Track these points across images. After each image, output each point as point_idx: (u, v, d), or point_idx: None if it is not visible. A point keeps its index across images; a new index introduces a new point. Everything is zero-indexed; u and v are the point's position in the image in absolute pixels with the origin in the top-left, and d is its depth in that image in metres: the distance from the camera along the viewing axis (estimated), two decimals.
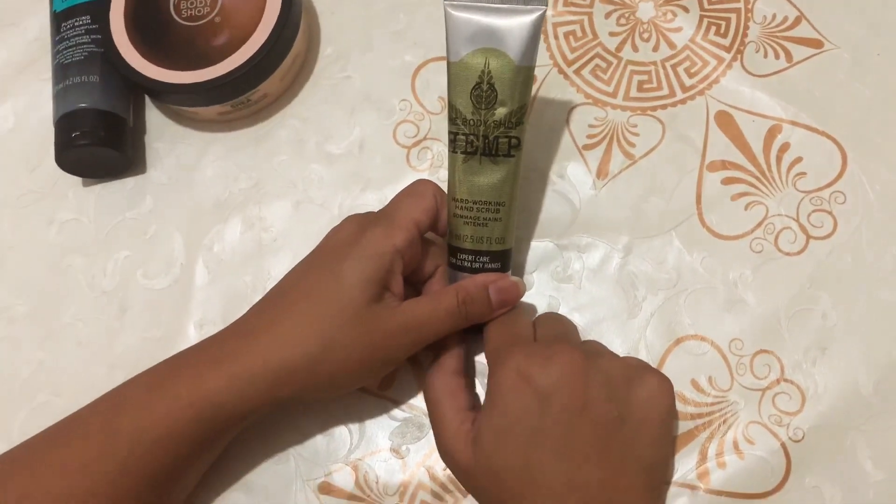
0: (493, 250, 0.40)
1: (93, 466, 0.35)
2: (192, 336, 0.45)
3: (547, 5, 0.37)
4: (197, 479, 0.39)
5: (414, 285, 0.41)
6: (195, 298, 0.46)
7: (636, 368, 0.37)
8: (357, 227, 0.38)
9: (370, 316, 0.36)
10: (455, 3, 0.37)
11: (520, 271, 0.44)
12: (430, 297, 0.38)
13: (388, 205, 0.40)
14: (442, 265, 0.41)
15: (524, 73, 0.37)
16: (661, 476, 0.39)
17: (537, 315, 0.42)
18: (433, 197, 0.39)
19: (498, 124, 0.38)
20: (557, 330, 0.39)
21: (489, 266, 0.40)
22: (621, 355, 0.39)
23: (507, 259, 0.40)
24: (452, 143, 0.39)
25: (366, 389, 0.42)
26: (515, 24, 0.37)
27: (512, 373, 0.35)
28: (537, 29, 0.37)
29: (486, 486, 0.35)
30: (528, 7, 0.37)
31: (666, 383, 0.38)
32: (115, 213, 0.48)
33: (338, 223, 0.39)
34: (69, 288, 0.47)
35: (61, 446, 0.36)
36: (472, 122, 0.38)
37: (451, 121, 0.38)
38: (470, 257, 0.40)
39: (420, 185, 0.40)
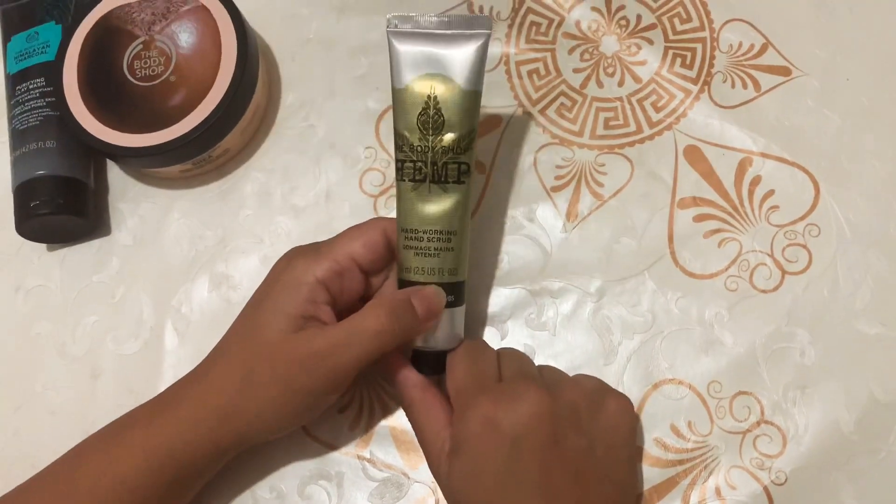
0: (446, 282, 0.38)
1: None
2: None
3: (491, 29, 0.37)
4: None
5: None
6: (166, 362, 0.45)
7: (597, 392, 0.38)
8: (286, 259, 0.39)
9: (288, 347, 0.36)
10: (398, 29, 0.37)
11: (493, 320, 0.43)
12: (348, 319, 0.36)
13: (334, 236, 0.40)
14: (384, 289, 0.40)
15: (471, 97, 0.37)
16: (633, 491, 0.39)
17: (499, 350, 0.41)
18: (380, 232, 0.39)
19: (446, 150, 0.37)
20: (520, 367, 0.39)
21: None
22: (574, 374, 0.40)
23: (460, 292, 0.39)
24: (400, 171, 0.38)
25: (341, 448, 0.42)
26: (460, 49, 0.37)
27: (479, 419, 0.35)
28: (483, 53, 0.37)
29: None
30: (472, 31, 0.37)
31: (626, 403, 0.38)
32: (82, 278, 0.47)
33: None
34: (39, 356, 0.46)
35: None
36: (419, 148, 0.37)
37: (398, 148, 0.38)
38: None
39: (371, 220, 0.40)
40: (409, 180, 0.37)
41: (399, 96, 0.37)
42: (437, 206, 0.37)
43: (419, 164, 0.37)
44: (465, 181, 0.38)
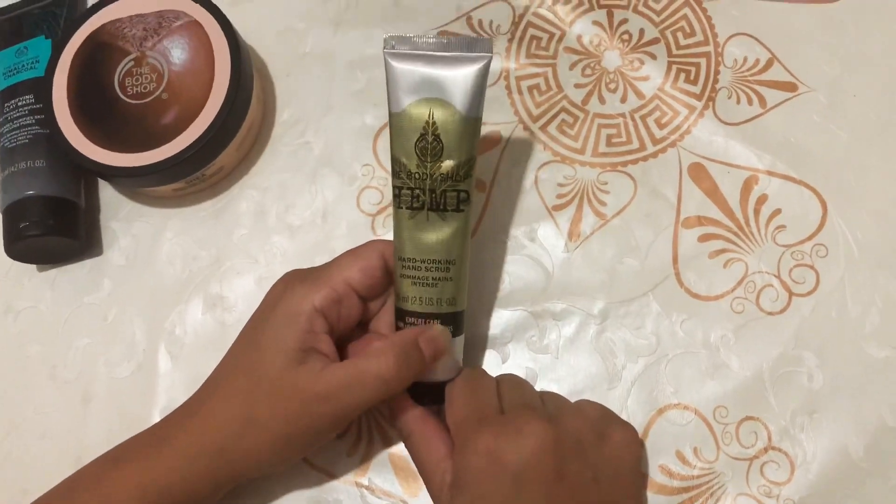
0: (445, 312, 0.37)
1: None
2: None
3: (492, 52, 0.36)
4: None
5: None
6: (160, 385, 0.44)
7: (601, 421, 0.37)
8: (282, 286, 0.38)
9: (288, 385, 0.35)
10: (396, 51, 0.35)
11: (494, 342, 0.43)
12: (354, 361, 0.35)
13: (330, 260, 0.39)
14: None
15: (471, 123, 0.36)
16: None
17: (498, 378, 0.39)
18: (378, 256, 0.38)
19: (445, 178, 0.36)
20: (521, 396, 0.38)
21: None
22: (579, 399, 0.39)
23: (459, 322, 0.38)
24: (397, 198, 0.37)
25: (339, 476, 0.41)
26: (460, 74, 0.35)
27: (483, 454, 0.34)
28: (483, 78, 0.36)
29: None
30: (473, 55, 0.35)
31: (631, 432, 0.38)
32: (73, 299, 0.46)
33: None
34: (30, 379, 0.45)
35: None
36: (417, 175, 0.36)
37: (395, 174, 0.37)
38: (419, 321, 0.37)
39: (368, 244, 0.39)
40: (407, 208, 0.36)
41: (396, 121, 0.36)
42: (435, 235, 0.36)
43: (417, 191, 0.36)
44: (465, 209, 0.36)
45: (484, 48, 0.35)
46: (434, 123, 0.35)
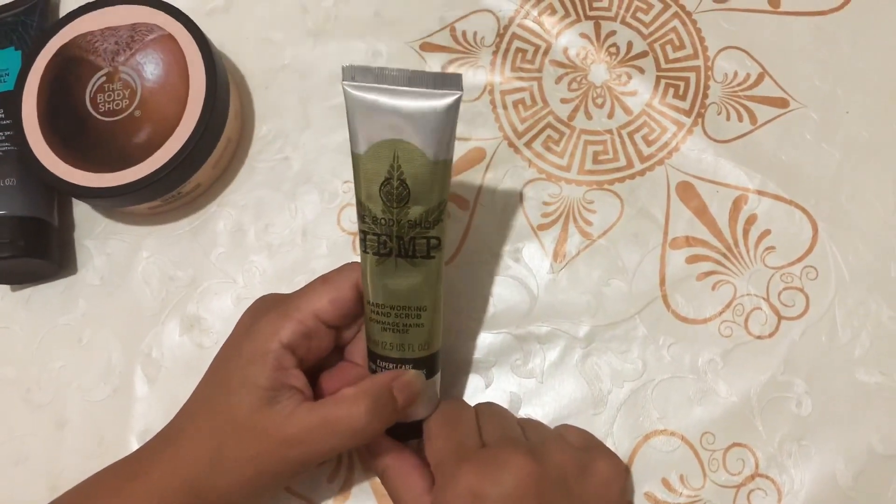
0: (417, 357, 0.35)
1: None
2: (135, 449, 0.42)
3: (462, 90, 0.32)
4: None
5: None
6: (136, 409, 0.43)
7: (586, 453, 0.36)
8: (250, 319, 0.37)
9: (259, 426, 0.34)
10: (356, 83, 0.32)
11: (478, 366, 0.42)
12: (326, 405, 0.34)
13: (301, 287, 0.37)
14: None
15: (440, 167, 0.33)
16: None
17: (477, 408, 0.38)
18: (350, 286, 0.36)
19: (413, 224, 0.33)
20: (501, 428, 0.37)
21: None
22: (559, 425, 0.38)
23: (434, 363, 0.36)
24: (363, 242, 0.34)
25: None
26: (428, 113, 0.31)
27: (464, 493, 0.33)
28: (453, 117, 0.32)
29: None
30: (441, 91, 0.32)
31: (616, 462, 0.37)
32: (47, 320, 0.45)
33: None
34: (3, 403, 0.44)
35: None
36: (383, 221, 0.33)
37: (360, 218, 0.34)
38: (391, 365, 0.35)
39: (341, 270, 0.37)
40: (374, 254, 0.34)
41: (359, 162, 0.33)
42: (404, 282, 0.34)
43: (384, 237, 0.33)
44: (436, 255, 0.34)
45: (454, 84, 0.32)
46: (399, 167, 0.32)
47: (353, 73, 0.32)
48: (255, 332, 0.35)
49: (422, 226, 0.33)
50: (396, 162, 0.32)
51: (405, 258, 0.34)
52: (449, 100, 0.32)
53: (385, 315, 0.34)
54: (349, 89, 0.32)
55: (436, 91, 0.32)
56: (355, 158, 0.33)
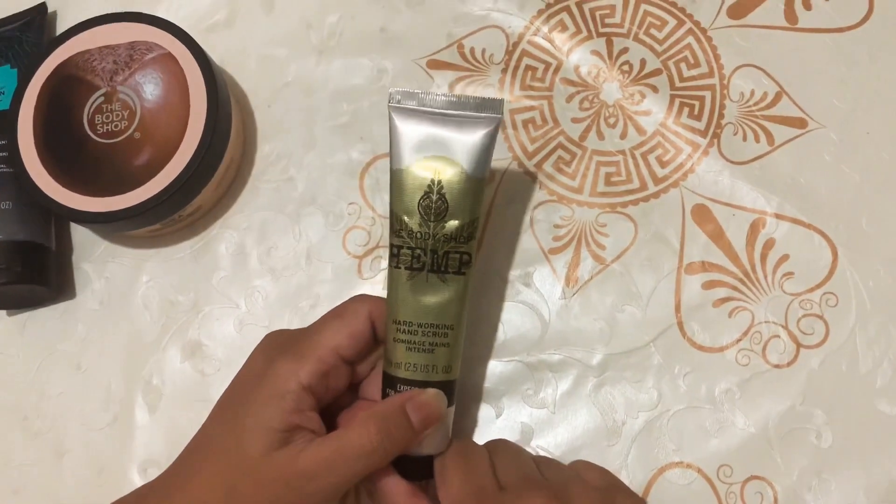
0: (439, 380, 0.35)
1: None
2: (136, 481, 0.41)
3: (502, 114, 0.35)
4: None
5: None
6: (137, 439, 0.42)
7: (607, 493, 0.35)
8: (264, 359, 0.35)
9: (271, 467, 0.33)
10: (401, 105, 0.34)
11: (488, 396, 0.41)
12: (337, 434, 0.33)
13: (312, 324, 0.36)
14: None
15: (477, 184, 0.35)
16: None
17: (490, 446, 0.37)
18: (364, 319, 0.35)
19: (448, 238, 0.34)
20: (518, 468, 0.35)
21: None
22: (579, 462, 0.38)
23: (451, 392, 0.36)
24: (395, 257, 0.35)
25: None
26: (469, 134, 0.34)
27: None
28: (492, 138, 0.35)
29: None
30: (483, 115, 0.34)
31: (637, 502, 0.36)
32: (45, 345, 0.44)
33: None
34: (1, 431, 0.43)
35: None
36: (419, 234, 0.34)
37: (395, 233, 0.35)
38: (411, 389, 0.35)
39: (353, 303, 0.36)
40: (406, 268, 0.34)
41: (399, 177, 0.34)
42: (434, 298, 0.34)
43: (418, 251, 0.34)
44: (466, 272, 0.35)
45: (494, 109, 0.35)
46: (440, 182, 0.34)
47: (398, 97, 0.35)
48: (272, 375, 0.33)
49: (457, 240, 0.35)
50: (437, 177, 0.34)
51: (437, 273, 0.35)
52: (491, 124, 0.35)
53: (412, 333, 0.34)
54: (394, 112, 0.34)
55: (478, 115, 0.34)
56: (395, 174, 0.35)
